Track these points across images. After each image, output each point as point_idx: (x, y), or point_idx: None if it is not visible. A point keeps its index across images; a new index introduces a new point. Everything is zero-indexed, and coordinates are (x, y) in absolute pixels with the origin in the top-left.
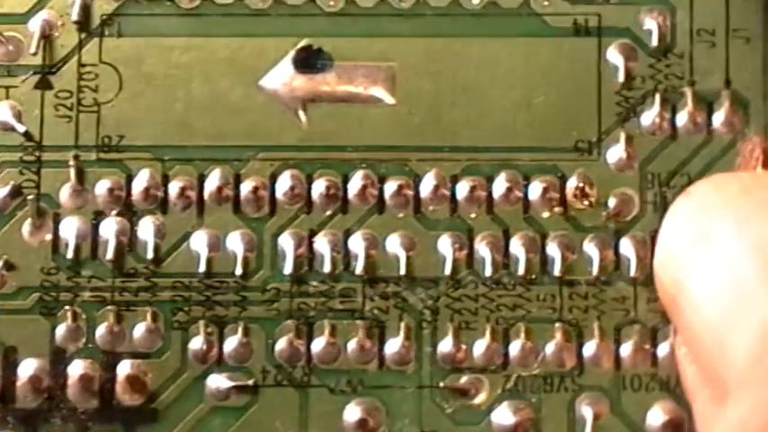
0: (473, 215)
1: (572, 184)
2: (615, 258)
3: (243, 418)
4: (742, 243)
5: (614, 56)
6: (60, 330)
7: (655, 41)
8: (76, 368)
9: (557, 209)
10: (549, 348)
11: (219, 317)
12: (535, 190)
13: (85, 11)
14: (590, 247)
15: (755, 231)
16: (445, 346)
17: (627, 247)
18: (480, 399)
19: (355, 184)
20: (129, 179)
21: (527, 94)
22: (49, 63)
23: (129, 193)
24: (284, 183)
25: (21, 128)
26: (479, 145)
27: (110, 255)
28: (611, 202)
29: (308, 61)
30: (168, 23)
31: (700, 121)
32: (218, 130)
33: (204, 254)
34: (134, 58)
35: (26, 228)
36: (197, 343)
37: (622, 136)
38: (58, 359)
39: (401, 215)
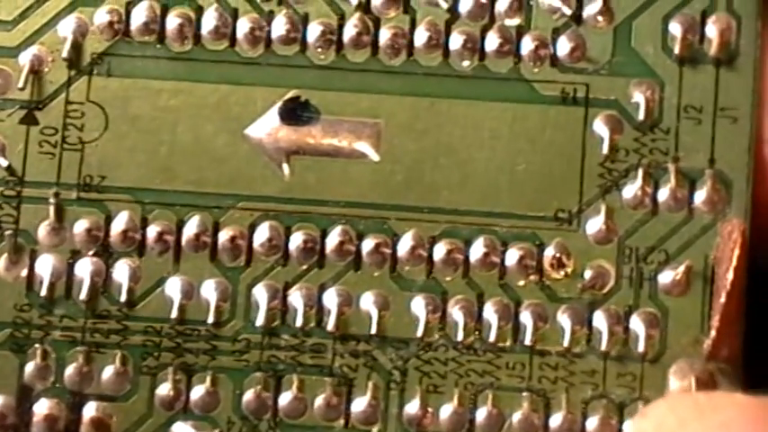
0: (448, 278)
1: (549, 253)
2: (588, 331)
3: None
4: None
5: (600, 127)
6: (29, 368)
7: (642, 115)
8: (42, 407)
9: (532, 277)
10: (516, 417)
11: (189, 364)
12: (512, 257)
13: (76, 48)
14: (563, 318)
15: None
16: (412, 408)
17: (600, 320)
18: None
19: (333, 240)
20: (108, 220)
21: (510, 159)
22: (36, 98)
23: (107, 234)
24: (262, 233)
25: (3, 162)
26: (460, 208)
27: (83, 295)
28: (587, 274)
29: (295, 113)
30: (158, 66)
31: (681, 198)
32: (200, 176)
33: (177, 300)
34: (121, 98)
35: (2, 263)
36: (164, 389)
37: (603, 208)
38: (25, 397)
39: (377, 273)
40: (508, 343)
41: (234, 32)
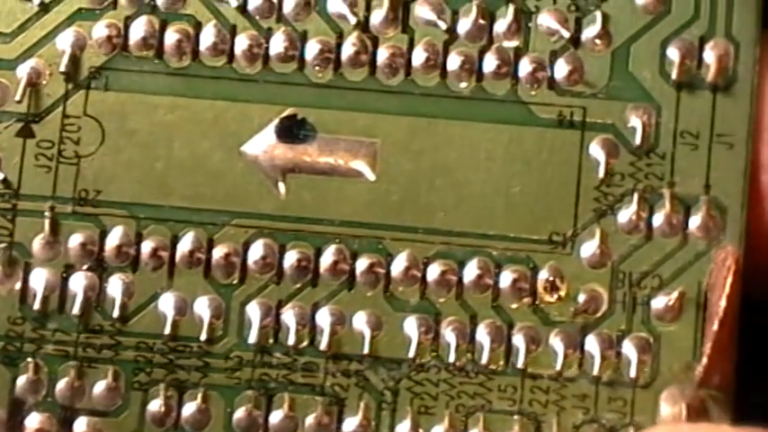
0: (442, 299)
1: (543, 276)
2: (580, 355)
3: None
4: None
5: (596, 151)
6: (21, 381)
7: (638, 140)
8: (33, 421)
9: (525, 300)
10: None
11: (180, 381)
12: (506, 279)
13: (74, 62)
14: (555, 342)
15: None
16: (403, 428)
17: (592, 344)
18: None
19: (327, 259)
20: (103, 235)
21: (506, 181)
22: (33, 111)
23: (101, 249)
24: (257, 251)
25: None
26: (454, 229)
27: (76, 309)
28: (581, 298)
29: (291, 131)
30: (155, 81)
31: (676, 224)
32: (195, 192)
33: (171, 316)
34: (118, 113)
35: None
36: (156, 405)
37: (598, 232)
38: (16, 410)
39: (370, 293)
40: (500, 365)
41: (232, 49)
